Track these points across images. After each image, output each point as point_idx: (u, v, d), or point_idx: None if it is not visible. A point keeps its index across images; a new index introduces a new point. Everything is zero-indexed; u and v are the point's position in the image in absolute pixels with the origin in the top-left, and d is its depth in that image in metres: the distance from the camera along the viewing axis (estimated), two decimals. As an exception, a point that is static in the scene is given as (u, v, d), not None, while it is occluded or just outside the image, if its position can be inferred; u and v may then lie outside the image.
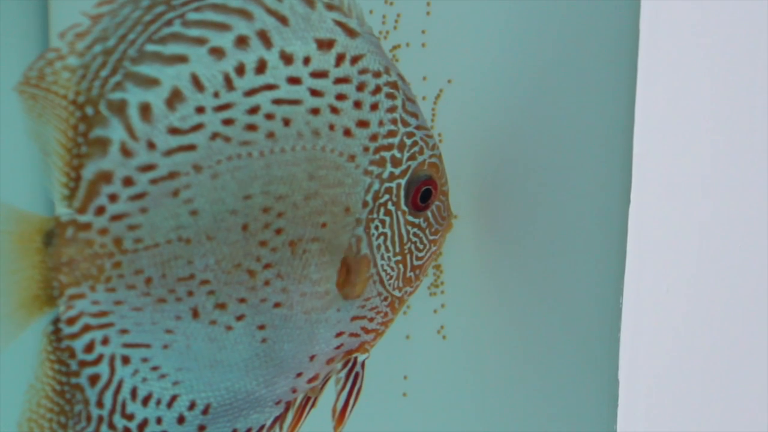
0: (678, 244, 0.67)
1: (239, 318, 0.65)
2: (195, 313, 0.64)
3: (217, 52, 0.62)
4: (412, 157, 0.68)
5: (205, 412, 0.67)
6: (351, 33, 0.66)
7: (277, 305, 0.65)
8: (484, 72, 0.79)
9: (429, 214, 0.70)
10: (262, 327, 0.66)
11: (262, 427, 0.69)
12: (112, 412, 0.66)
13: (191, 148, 0.62)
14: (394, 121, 0.67)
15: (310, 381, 0.69)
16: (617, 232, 0.67)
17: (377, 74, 0.66)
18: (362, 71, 0.66)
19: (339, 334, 0.68)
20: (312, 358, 0.68)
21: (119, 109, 0.62)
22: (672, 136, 0.66)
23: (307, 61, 0.64)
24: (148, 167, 0.62)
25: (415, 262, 0.70)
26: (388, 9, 0.83)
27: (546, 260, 0.75)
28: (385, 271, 0.68)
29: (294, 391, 0.69)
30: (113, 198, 0.62)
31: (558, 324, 0.74)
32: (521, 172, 0.77)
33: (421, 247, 0.70)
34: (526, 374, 0.78)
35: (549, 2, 0.73)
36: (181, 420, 0.67)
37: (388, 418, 0.89)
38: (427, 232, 0.70)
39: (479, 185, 0.81)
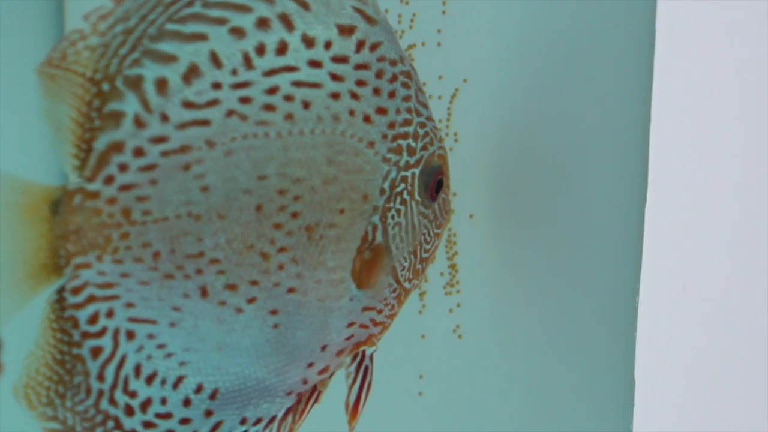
0: (694, 242, 0.65)
1: (250, 301, 0.63)
2: (203, 292, 0.62)
3: (238, 32, 0.61)
4: (424, 148, 0.67)
5: (212, 396, 0.65)
6: (370, 20, 0.64)
7: (290, 291, 0.63)
8: (499, 71, 0.77)
9: (436, 206, 0.69)
10: (274, 312, 0.63)
11: (273, 418, 0.67)
12: (114, 387, 0.63)
13: (205, 123, 0.61)
14: (409, 110, 0.66)
15: (320, 372, 0.67)
16: (633, 230, 0.66)
17: (393, 63, 0.65)
18: (380, 59, 0.65)
19: (350, 325, 0.66)
20: (324, 348, 0.66)
21: (135, 83, 0.60)
22: (688, 135, 0.64)
23: (328, 45, 0.63)
24: (159, 139, 0.61)
25: (423, 255, 0.69)
26: (404, 8, 0.82)
27: (562, 259, 0.73)
28: (398, 261, 0.67)
29: (305, 382, 0.67)
30: (123, 168, 0.61)
31: (574, 323, 0.72)
32: (537, 172, 0.75)
33: (428, 239, 0.69)
34: (542, 373, 0.75)
35: (565, 1, 0.71)
36: (186, 403, 0.64)
37: (403, 417, 0.87)
38: (433, 224, 0.69)
39: (495, 184, 0.78)
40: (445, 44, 0.81)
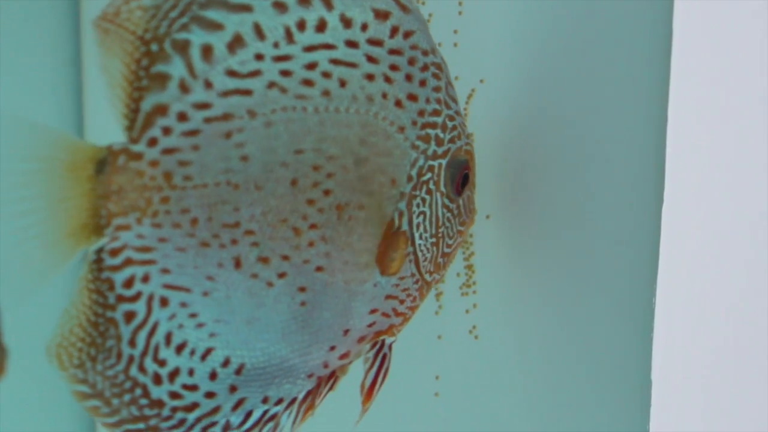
0: (711, 243, 0.65)
1: (281, 275, 0.63)
2: (237, 263, 0.63)
3: (281, 6, 0.63)
4: (452, 140, 0.68)
5: (238, 372, 0.65)
6: (404, 9, 0.66)
7: (319, 269, 0.64)
8: (516, 72, 0.77)
9: (461, 201, 0.69)
10: (302, 289, 0.64)
11: (294, 399, 0.67)
12: (144, 354, 0.63)
13: (247, 92, 0.62)
14: (438, 101, 0.67)
15: (341, 357, 0.68)
16: (650, 232, 0.66)
17: (425, 53, 0.66)
18: (413, 47, 0.66)
19: (373, 311, 0.67)
20: (346, 332, 0.67)
21: (182, 48, 0.62)
22: (705, 135, 0.65)
23: (364, 27, 0.64)
24: (203, 105, 0.62)
25: (445, 249, 0.69)
26: (420, 9, 0.80)
27: (578, 261, 0.73)
28: (421, 251, 0.67)
29: (326, 366, 0.67)
30: (167, 131, 0.62)
31: (590, 324, 0.72)
32: (554, 172, 0.75)
33: (451, 234, 0.69)
34: (558, 374, 0.75)
35: (582, 1, 0.72)
36: (213, 376, 0.64)
37: (419, 418, 0.86)
38: (456, 220, 0.69)
39: (511, 185, 0.79)
40: (461, 45, 0.81)
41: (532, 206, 0.78)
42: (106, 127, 0.67)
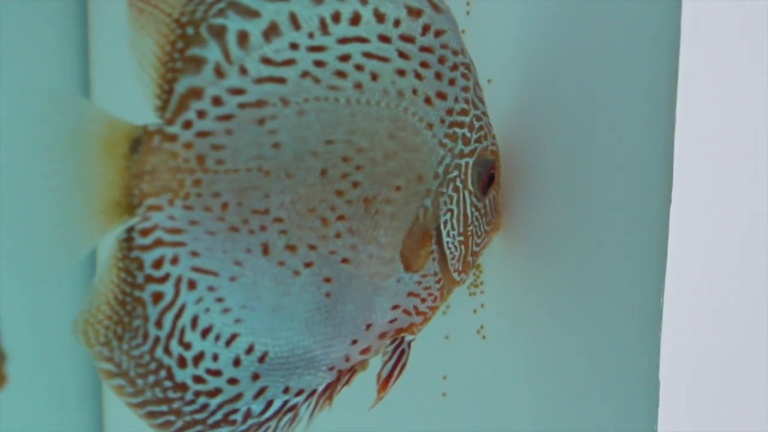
0: (720, 244, 0.65)
1: (307, 265, 0.64)
2: (265, 250, 0.63)
3: None
4: (478, 140, 0.69)
5: (261, 359, 0.65)
6: (436, 8, 0.67)
7: (344, 261, 0.64)
8: (524, 72, 0.77)
9: (487, 201, 0.70)
10: (328, 280, 0.64)
11: (314, 391, 0.67)
12: (170, 336, 0.64)
13: (281, 80, 0.63)
14: (467, 101, 0.68)
15: (362, 352, 0.68)
16: (658, 231, 0.66)
17: (455, 53, 0.67)
18: (443, 46, 0.67)
19: (395, 308, 0.67)
20: (368, 327, 0.67)
21: (218, 33, 0.63)
22: (713, 135, 0.65)
23: (397, 23, 0.65)
24: (237, 90, 0.62)
25: (474, 248, 0.70)
26: None
27: (586, 260, 0.73)
28: (449, 248, 0.68)
29: (347, 359, 0.68)
30: (201, 114, 0.62)
31: (598, 324, 0.72)
32: (561, 172, 0.75)
33: (479, 232, 0.70)
34: (566, 374, 0.75)
35: (590, 2, 0.72)
36: (237, 362, 0.65)
37: (427, 417, 0.86)
38: (484, 219, 0.70)
39: (518, 184, 0.79)
40: (469, 45, 0.81)
41: (540, 206, 0.78)
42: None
